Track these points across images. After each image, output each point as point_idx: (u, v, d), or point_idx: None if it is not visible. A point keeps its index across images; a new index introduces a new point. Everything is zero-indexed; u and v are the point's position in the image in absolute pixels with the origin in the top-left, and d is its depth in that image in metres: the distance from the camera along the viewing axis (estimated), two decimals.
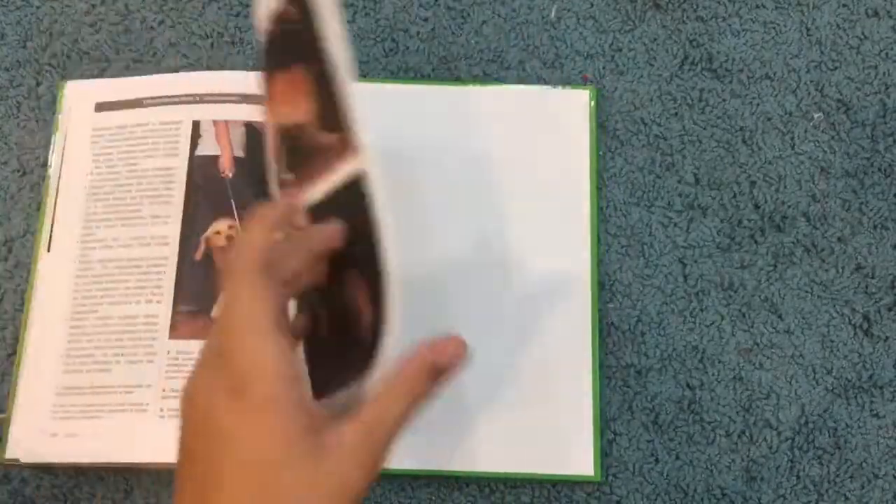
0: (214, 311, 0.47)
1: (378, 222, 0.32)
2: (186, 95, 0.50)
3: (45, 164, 0.50)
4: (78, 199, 0.49)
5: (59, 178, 0.49)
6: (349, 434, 0.28)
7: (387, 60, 0.51)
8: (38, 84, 0.51)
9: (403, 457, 0.44)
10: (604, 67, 0.51)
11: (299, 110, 0.36)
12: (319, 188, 0.35)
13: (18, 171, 0.50)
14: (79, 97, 0.51)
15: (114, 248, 0.48)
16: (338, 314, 0.34)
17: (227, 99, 0.50)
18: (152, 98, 0.50)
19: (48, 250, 0.48)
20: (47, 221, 0.49)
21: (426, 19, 0.52)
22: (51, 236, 0.48)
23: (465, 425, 0.45)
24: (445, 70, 0.51)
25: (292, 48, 0.36)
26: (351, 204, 0.33)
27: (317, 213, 0.35)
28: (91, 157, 0.50)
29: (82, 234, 0.48)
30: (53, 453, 0.45)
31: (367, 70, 0.51)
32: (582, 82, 0.50)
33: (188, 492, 0.28)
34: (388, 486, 0.45)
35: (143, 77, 0.51)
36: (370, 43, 0.51)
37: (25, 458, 0.45)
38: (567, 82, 0.51)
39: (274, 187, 0.39)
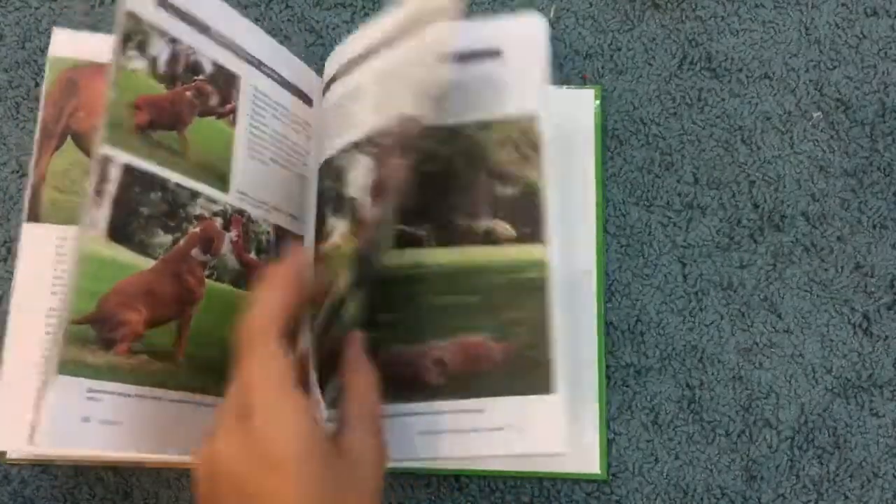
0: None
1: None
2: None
3: None
4: None
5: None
6: (356, 442, 0.33)
7: None
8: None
9: (404, 456, 0.44)
10: (603, 67, 0.51)
11: None
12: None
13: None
14: None
15: None
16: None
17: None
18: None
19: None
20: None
21: None
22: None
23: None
24: None
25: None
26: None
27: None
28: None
29: None
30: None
31: None
32: (581, 82, 0.50)
33: None
34: (388, 486, 0.45)
35: None
36: None
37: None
38: (566, 82, 0.51)
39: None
